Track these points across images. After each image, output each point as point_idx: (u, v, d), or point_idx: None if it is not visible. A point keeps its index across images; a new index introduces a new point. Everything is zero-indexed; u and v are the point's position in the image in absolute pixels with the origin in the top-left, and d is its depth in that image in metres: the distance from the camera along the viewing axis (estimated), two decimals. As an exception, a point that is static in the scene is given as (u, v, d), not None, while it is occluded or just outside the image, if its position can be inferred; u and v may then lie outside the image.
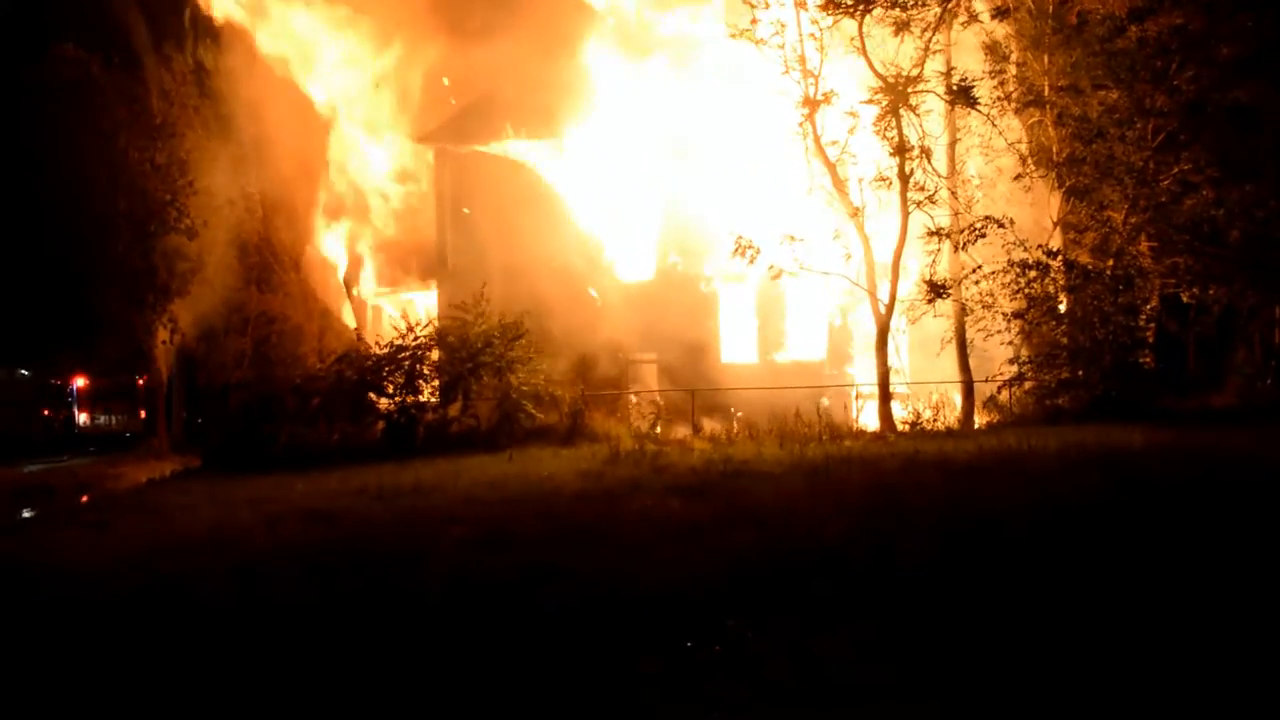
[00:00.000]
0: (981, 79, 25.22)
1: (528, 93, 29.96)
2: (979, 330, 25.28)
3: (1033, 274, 24.73)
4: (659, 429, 25.59)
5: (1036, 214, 26.61)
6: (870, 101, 24.53)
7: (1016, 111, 26.09)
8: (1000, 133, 25.77)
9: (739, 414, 26.51)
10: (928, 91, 24.58)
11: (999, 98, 25.63)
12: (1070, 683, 6.14)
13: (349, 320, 34.63)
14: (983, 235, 24.77)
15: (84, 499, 21.89)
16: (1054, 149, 25.59)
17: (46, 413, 54.86)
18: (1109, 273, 24.67)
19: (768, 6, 24.73)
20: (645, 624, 7.63)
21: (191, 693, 6.85)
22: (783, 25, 24.85)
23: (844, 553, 9.35)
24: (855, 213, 25.21)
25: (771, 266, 25.37)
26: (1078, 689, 6.05)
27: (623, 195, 30.02)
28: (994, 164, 26.39)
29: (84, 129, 29.70)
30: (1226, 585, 7.78)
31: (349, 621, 8.19)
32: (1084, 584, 7.96)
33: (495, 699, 6.42)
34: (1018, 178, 26.16)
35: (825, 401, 26.93)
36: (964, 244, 24.94)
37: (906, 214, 24.92)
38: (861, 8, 24.10)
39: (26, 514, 19.35)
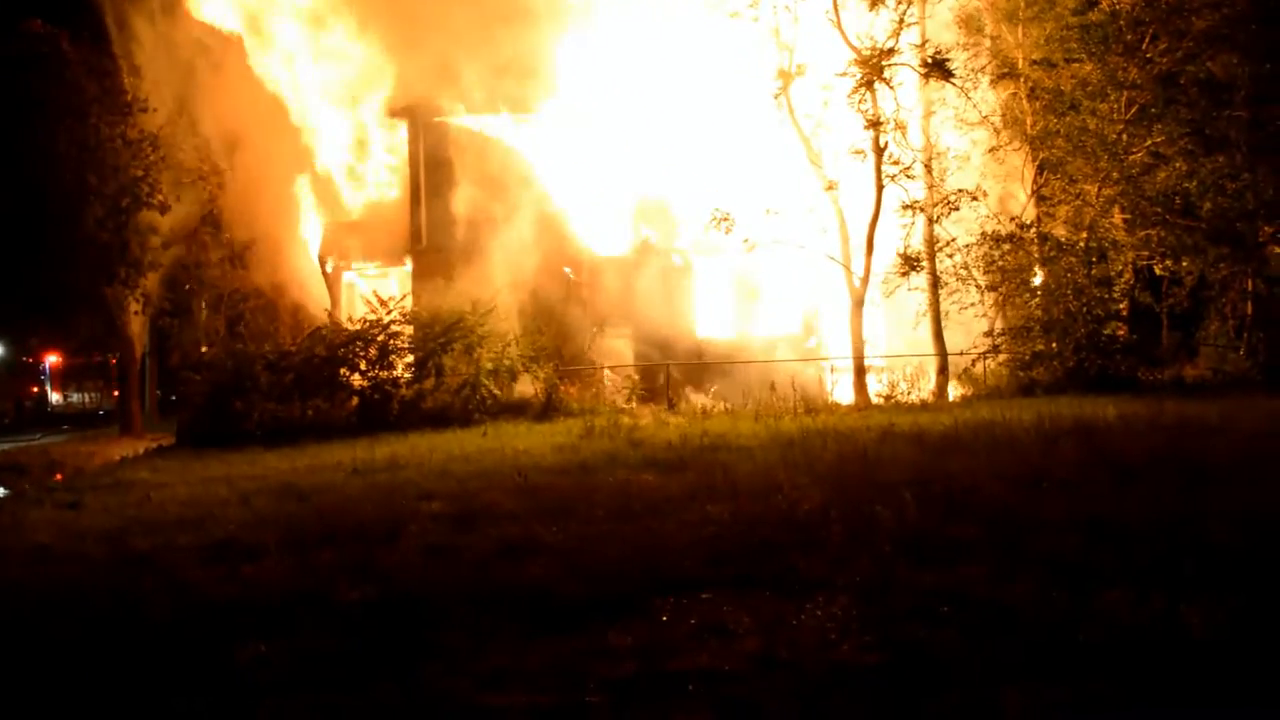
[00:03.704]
0: (955, 50, 25.26)
1: (502, 66, 29.75)
2: (953, 303, 25.41)
3: (1006, 247, 24.89)
4: (634, 403, 25.62)
5: (1010, 187, 26.74)
6: (845, 74, 24.55)
7: (991, 84, 26.17)
8: (974, 106, 25.85)
9: (714, 388, 26.54)
10: (902, 65, 24.59)
11: (973, 70, 25.68)
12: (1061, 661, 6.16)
13: (323, 297, 34.42)
14: (956, 208, 24.90)
15: (57, 477, 21.78)
16: (1027, 122, 25.71)
17: (19, 391, 54.57)
18: (1082, 245, 24.81)
19: (742, -22, 24.72)
20: (621, 598, 7.63)
21: (162, 670, 6.81)
22: (757, -2, 24.86)
23: (820, 525, 9.36)
24: (830, 186, 25.28)
25: (746, 240, 25.44)
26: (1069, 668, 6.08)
27: (596, 169, 29.89)
28: (968, 137, 26.49)
29: (54, 104, 29.43)
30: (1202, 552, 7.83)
31: (322, 598, 8.15)
32: (1067, 555, 8.00)
33: (467, 672, 6.41)
34: (991, 150, 26.24)
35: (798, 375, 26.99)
36: (938, 217, 25.02)
37: (881, 187, 24.99)
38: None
39: (-1, 493, 19.24)
